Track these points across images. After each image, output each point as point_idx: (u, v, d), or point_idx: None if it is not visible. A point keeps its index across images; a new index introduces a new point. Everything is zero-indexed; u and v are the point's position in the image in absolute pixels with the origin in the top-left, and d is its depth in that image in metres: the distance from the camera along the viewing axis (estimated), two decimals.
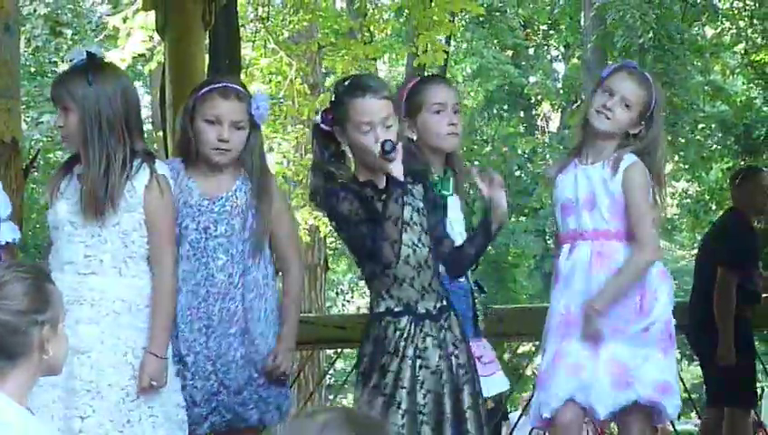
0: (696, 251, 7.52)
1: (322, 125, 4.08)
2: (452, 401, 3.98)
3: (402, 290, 4.00)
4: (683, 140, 19.91)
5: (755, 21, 19.36)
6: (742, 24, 20.10)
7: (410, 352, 3.96)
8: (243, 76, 11.51)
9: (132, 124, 4.17)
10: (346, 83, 4.09)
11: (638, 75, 4.68)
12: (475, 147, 24.95)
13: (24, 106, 5.13)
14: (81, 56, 4.21)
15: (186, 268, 4.36)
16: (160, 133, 10.79)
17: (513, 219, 22.34)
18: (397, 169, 3.92)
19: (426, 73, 12.97)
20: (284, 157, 14.68)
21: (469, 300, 4.48)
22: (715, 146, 21.31)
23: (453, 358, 4.03)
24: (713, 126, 21.36)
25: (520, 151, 24.58)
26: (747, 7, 19.64)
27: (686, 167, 21.46)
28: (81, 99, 4.11)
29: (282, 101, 14.15)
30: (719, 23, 20.05)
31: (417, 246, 4.02)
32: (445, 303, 4.08)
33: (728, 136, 20.73)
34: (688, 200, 23.73)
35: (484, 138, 25.00)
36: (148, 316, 4.14)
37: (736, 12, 20.06)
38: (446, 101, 4.49)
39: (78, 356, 4.02)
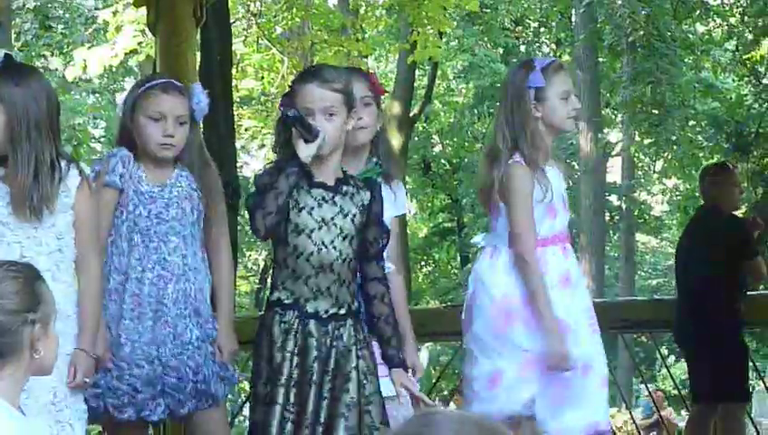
0: None
1: (280, 109, 4.10)
2: (316, 405, 3.93)
3: (296, 285, 3.98)
4: (674, 138, 19.92)
5: (747, 17, 19.38)
6: (733, 20, 20.12)
7: (290, 346, 3.94)
8: (234, 72, 11.52)
9: (56, 126, 4.15)
10: (302, 71, 4.14)
11: (561, 65, 4.71)
12: (466, 144, 25.01)
13: None
14: None
15: (135, 257, 4.38)
16: None
17: None
18: (304, 150, 3.93)
19: (416, 71, 12.97)
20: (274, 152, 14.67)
21: None
22: (705, 143, 21.34)
23: (350, 369, 3.97)
24: (704, 123, 21.40)
25: None
26: (738, 4, 19.66)
27: (676, 164, 21.49)
28: (8, 100, 4.06)
29: (273, 97, 14.15)
30: (710, 19, 20.07)
31: (326, 247, 3.99)
32: (342, 311, 4.02)
33: (719, 133, 20.77)
34: (679, 197, 23.79)
35: (475, 135, 25.03)
36: (76, 322, 4.12)
37: (727, 8, 20.08)
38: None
39: None
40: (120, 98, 4.67)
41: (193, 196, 4.46)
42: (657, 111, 18.97)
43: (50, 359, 3.10)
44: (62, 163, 4.10)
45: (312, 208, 4.00)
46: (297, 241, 3.98)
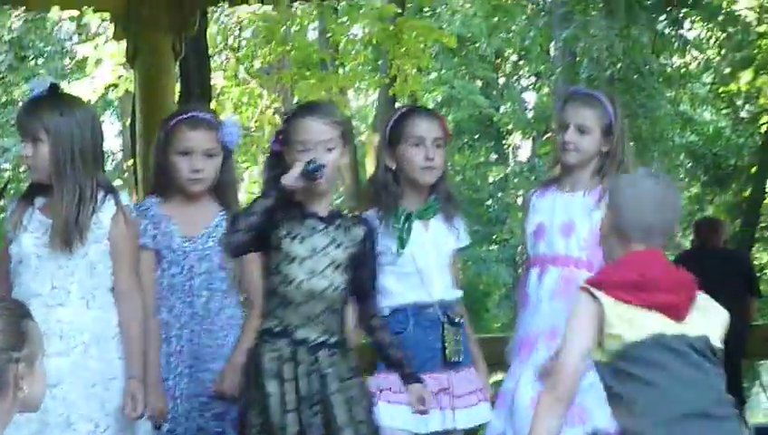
0: None
1: (274, 145, 4.12)
2: (315, 431, 3.93)
3: (286, 312, 3.99)
4: (652, 171, 19.98)
5: (722, 51, 19.51)
6: (710, 53, 20.25)
7: (289, 375, 3.95)
8: (213, 105, 11.54)
9: (99, 155, 4.16)
10: (297, 106, 4.16)
11: (583, 97, 4.72)
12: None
13: None
14: (44, 87, 4.19)
15: (173, 314, 4.40)
16: (130, 162, 10.80)
17: (483, 248, 22.35)
18: (290, 177, 3.94)
19: (396, 104, 13.03)
20: (256, 185, 14.68)
21: (438, 332, 4.47)
22: (682, 176, 21.42)
23: (337, 394, 3.97)
24: (682, 156, 21.49)
25: (490, 180, 24.64)
26: (716, 37, 19.78)
27: None
28: (53, 129, 4.07)
29: (252, 131, 14.16)
30: (687, 53, 20.19)
31: (315, 276, 4.00)
32: (332, 340, 4.02)
33: (697, 166, 20.85)
34: None
35: (456, 167, 25.07)
36: (116, 348, 4.12)
37: (704, 42, 20.20)
38: (426, 135, 4.51)
39: (49, 389, 3.98)
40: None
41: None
42: (634, 144, 19.04)
43: (36, 396, 3.05)
44: (100, 194, 4.12)
45: (304, 238, 4.01)
46: (288, 269, 3.99)
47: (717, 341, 3.52)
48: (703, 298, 3.58)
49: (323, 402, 3.96)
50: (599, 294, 3.47)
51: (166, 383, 4.35)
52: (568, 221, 4.62)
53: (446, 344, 4.47)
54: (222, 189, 4.50)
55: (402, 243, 4.46)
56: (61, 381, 4.03)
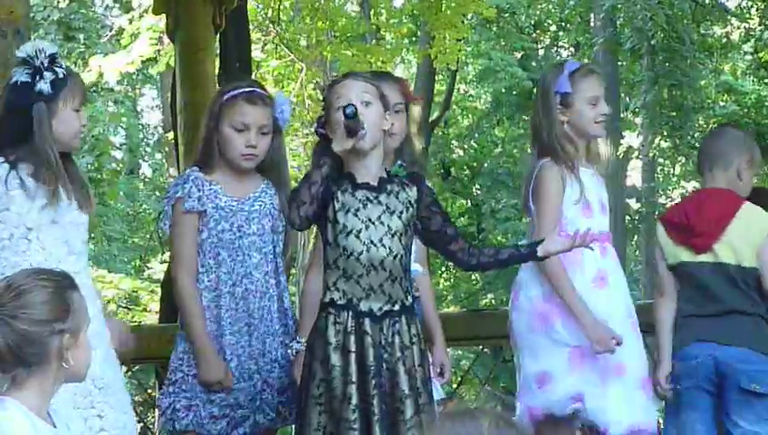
0: None
1: (320, 129, 4.10)
2: (382, 404, 3.93)
3: (348, 284, 3.99)
4: (694, 141, 19.86)
5: (766, 20, 19.32)
6: (752, 22, 20.07)
7: (353, 347, 3.95)
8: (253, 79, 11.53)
9: None
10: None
11: (592, 68, 4.82)
12: (485, 149, 24.98)
13: None
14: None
15: (224, 271, 4.38)
16: (171, 136, 10.82)
17: (523, 220, 22.29)
18: (340, 143, 3.96)
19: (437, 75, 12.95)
20: (294, 160, 14.70)
21: None
22: None
23: (399, 363, 3.99)
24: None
25: (529, 152, 24.53)
26: (757, 6, 19.60)
27: (693, 168, 21.41)
28: None
29: (292, 105, 14.14)
30: (728, 22, 20.02)
31: (375, 245, 4.00)
32: (396, 308, 4.03)
33: None
34: None
35: (494, 140, 24.99)
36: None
37: (745, 11, 20.02)
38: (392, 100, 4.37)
39: None
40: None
41: (274, 214, 4.45)
42: (676, 114, 18.92)
43: (81, 368, 3.08)
44: None
45: (358, 210, 4.02)
46: (346, 242, 4.00)
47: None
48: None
49: (387, 373, 3.97)
50: None
51: (225, 339, 4.36)
52: (601, 198, 4.68)
53: None
54: (271, 167, 4.49)
55: None
56: (97, 346, 4.09)
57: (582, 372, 4.52)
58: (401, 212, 4.06)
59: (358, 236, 4.00)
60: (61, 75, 4.05)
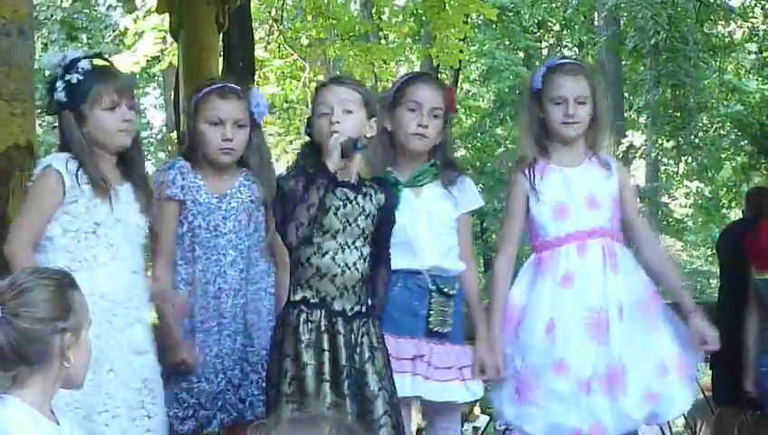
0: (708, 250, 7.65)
1: (308, 129, 4.17)
2: (353, 404, 3.96)
3: (322, 284, 4.03)
4: (697, 141, 19.86)
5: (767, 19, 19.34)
6: (755, 21, 20.05)
7: (326, 345, 3.98)
8: (256, 78, 11.54)
9: None
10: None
11: (572, 68, 4.65)
12: (488, 148, 24.96)
13: (38, 110, 5.15)
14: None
15: (199, 268, 4.44)
16: (174, 135, 10.83)
17: None
18: (332, 162, 3.99)
19: (438, 74, 12.95)
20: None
21: (425, 299, 4.43)
22: (727, 145, 21.25)
23: (368, 363, 4.03)
24: (727, 125, 21.31)
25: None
26: (761, 5, 19.59)
27: (704, 163, 21.41)
28: None
29: (296, 103, 14.15)
30: (731, 21, 20.01)
31: (348, 247, 4.05)
32: (364, 310, 4.09)
33: (743, 135, 20.67)
34: (701, 200, 23.68)
35: (497, 139, 24.98)
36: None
37: (749, 10, 20.01)
38: (423, 102, 4.47)
39: (138, 356, 4.12)
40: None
41: (251, 207, 4.50)
42: (679, 114, 18.92)
43: (80, 368, 3.09)
44: None
45: (338, 208, 4.06)
46: (322, 241, 4.03)
47: None
48: None
49: (358, 372, 4.01)
50: None
51: (197, 337, 4.41)
52: (589, 194, 4.58)
53: (431, 313, 4.44)
54: (249, 161, 4.55)
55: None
56: (149, 350, 4.22)
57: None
58: (373, 216, 4.13)
59: (335, 237, 4.05)
60: (74, 81, 4.08)
